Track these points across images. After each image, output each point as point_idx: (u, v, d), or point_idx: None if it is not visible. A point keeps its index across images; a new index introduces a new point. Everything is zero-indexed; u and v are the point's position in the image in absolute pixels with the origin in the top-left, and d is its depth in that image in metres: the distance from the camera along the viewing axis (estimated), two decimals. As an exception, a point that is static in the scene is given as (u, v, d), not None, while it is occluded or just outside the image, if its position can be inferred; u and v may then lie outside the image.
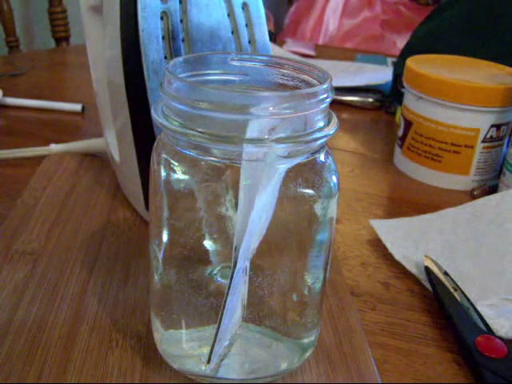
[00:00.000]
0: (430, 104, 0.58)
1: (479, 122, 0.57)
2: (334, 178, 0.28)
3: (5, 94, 0.74)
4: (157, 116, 0.26)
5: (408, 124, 0.61)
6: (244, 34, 0.40)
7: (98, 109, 0.52)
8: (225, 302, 0.25)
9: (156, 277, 0.30)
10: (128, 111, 0.41)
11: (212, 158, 0.25)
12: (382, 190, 0.59)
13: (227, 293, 0.25)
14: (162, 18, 0.38)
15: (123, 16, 0.38)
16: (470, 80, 0.57)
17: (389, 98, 0.83)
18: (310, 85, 0.28)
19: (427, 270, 0.41)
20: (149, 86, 0.38)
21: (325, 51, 1.18)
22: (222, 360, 0.30)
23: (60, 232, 0.44)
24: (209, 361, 0.27)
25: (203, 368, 0.30)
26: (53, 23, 1.25)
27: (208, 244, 0.29)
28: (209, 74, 0.30)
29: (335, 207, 0.29)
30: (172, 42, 0.38)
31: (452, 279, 0.40)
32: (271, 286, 0.29)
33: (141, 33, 0.37)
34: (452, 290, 0.39)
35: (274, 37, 1.10)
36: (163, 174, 0.27)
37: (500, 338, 0.35)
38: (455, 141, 0.57)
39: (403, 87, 0.63)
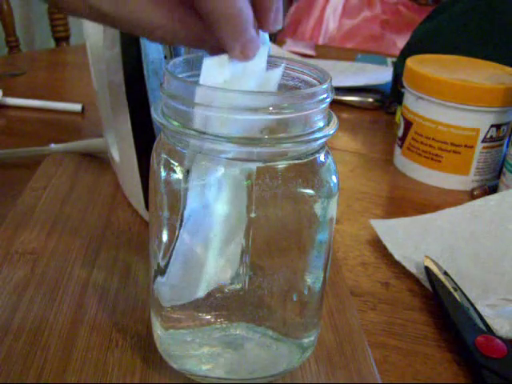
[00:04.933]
0: (429, 104, 0.58)
1: (479, 122, 0.57)
2: (334, 178, 0.28)
3: (5, 94, 0.74)
4: (157, 116, 0.26)
5: (408, 124, 0.61)
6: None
7: (98, 109, 0.52)
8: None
9: (156, 277, 0.30)
10: (128, 111, 0.41)
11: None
12: (381, 189, 0.59)
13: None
14: (161, 18, 0.38)
15: (123, 16, 0.38)
16: (470, 80, 0.57)
17: (389, 98, 0.83)
18: (310, 85, 0.28)
19: (427, 269, 0.41)
20: (149, 86, 0.38)
21: (325, 51, 1.18)
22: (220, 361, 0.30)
23: (60, 232, 0.44)
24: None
25: (203, 368, 0.30)
26: (53, 23, 1.25)
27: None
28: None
29: (335, 207, 0.29)
30: (172, 42, 0.38)
31: (452, 279, 0.40)
32: (271, 285, 0.29)
33: (141, 33, 0.37)
34: (452, 290, 0.39)
35: (274, 37, 1.10)
36: (163, 174, 0.27)
37: (500, 338, 0.35)
38: (455, 141, 0.57)
39: (403, 87, 0.63)
